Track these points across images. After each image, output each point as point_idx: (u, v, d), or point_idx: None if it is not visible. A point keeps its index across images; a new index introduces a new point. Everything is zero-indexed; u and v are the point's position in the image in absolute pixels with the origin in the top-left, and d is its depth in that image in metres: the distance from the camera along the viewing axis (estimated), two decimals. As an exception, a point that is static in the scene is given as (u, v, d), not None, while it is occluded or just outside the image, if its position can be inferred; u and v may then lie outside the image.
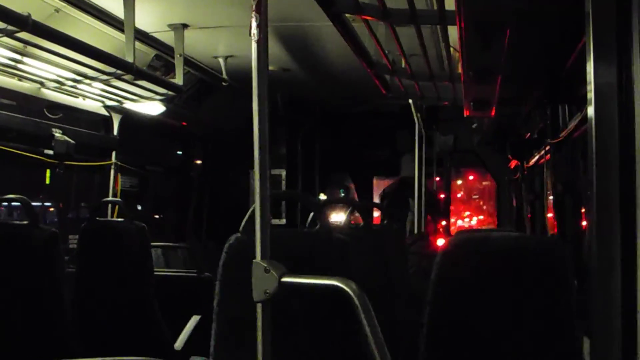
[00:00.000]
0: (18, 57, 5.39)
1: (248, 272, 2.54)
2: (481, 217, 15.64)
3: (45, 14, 5.27)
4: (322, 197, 12.66)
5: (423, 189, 10.26)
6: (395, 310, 5.61)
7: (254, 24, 2.53)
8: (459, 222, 15.07)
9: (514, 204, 9.99)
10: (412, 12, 4.26)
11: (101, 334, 5.63)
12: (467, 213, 15.74)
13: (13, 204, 5.48)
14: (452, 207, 12.92)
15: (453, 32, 4.46)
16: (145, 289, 5.73)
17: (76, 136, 6.63)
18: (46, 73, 5.82)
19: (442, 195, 11.97)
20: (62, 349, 4.75)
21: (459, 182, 15.10)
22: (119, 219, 6.55)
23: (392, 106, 10.09)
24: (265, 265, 2.53)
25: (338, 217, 10.46)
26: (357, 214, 6.47)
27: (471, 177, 15.28)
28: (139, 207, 9.44)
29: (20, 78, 5.91)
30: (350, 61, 6.04)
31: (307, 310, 3.02)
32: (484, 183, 15.01)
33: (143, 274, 5.76)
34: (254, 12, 2.52)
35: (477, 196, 15.66)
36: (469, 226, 15.65)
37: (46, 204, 7.99)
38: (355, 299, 2.35)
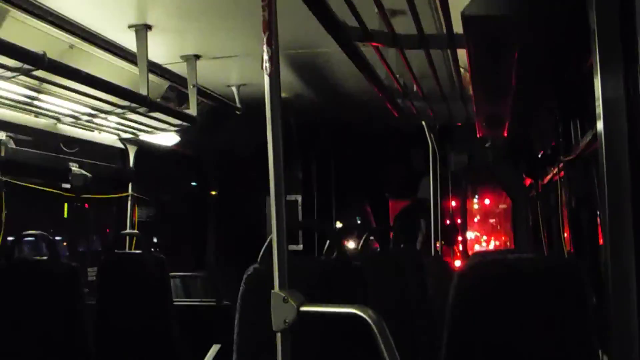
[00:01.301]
0: (34, 94, 5.46)
1: (267, 302, 2.56)
2: (497, 242, 15.46)
3: (60, 51, 5.33)
4: (339, 224, 12.66)
5: (439, 210, 10.22)
6: (415, 334, 5.61)
7: (265, 57, 2.57)
8: (476, 247, 14.93)
9: (530, 222, 9.96)
10: (420, 36, 4.30)
11: (123, 365, 5.66)
12: (485, 237, 15.59)
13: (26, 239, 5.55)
14: (467, 232, 12.88)
15: (462, 52, 4.49)
16: (165, 319, 5.76)
17: (93, 169, 6.69)
18: (62, 108, 5.88)
19: (459, 221, 11.93)
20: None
21: (475, 206, 14.97)
22: (138, 251, 6.59)
23: (405, 127, 10.10)
24: (284, 295, 2.55)
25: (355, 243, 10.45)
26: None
27: (487, 201, 15.14)
28: (156, 239, 9.47)
29: (37, 114, 5.98)
30: (362, 85, 6.06)
31: (326, 338, 3.03)
32: (500, 206, 14.87)
33: (163, 304, 5.79)
34: (265, 46, 2.56)
35: (493, 220, 15.50)
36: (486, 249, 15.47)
37: (64, 237, 8.04)
38: (373, 326, 2.37)
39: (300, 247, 10.52)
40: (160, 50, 5.98)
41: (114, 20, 5.27)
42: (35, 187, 6.22)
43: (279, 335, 2.58)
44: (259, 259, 3.13)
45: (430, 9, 4.71)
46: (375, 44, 4.42)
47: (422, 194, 12.15)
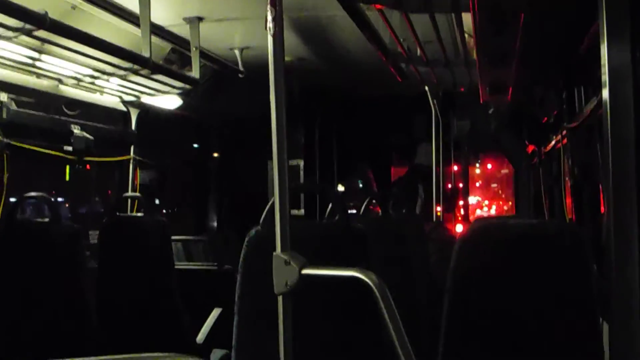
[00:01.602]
0: (36, 54, 5.43)
1: (269, 265, 2.56)
2: (504, 207, 15.45)
3: (62, 11, 5.30)
4: (340, 188, 12.66)
5: (441, 176, 10.24)
6: (416, 299, 5.63)
7: (269, 18, 2.54)
8: (478, 211, 14.95)
9: (532, 189, 9.97)
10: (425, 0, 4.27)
11: (123, 328, 5.68)
12: (486, 202, 15.62)
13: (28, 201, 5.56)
14: (469, 197, 12.90)
15: (467, 17, 4.46)
16: (166, 282, 5.78)
17: (95, 132, 6.67)
18: (64, 70, 5.86)
19: (461, 185, 11.95)
20: (85, 343, 4.80)
21: (477, 170, 14.97)
22: (139, 214, 6.60)
23: (408, 92, 10.07)
24: (286, 257, 2.54)
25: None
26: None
27: (490, 166, 15.14)
28: (158, 201, 9.49)
29: (39, 75, 5.96)
30: (366, 49, 6.04)
31: (328, 302, 3.04)
32: (502, 171, 14.87)
33: (164, 268, 5.80)
34: (269, 6, 2.53)
35: (495, 185, 15.52)
36: (488, 214, 15.50)
37: (66, 200, 8.06)
38: (375, 289, 2.37)
39: (302, 212, 10.52)
40: (163, 12, 5.94)
41: (116, -20, 5.25)
42: (37, 149, 6.20)
43: (280, 298, 2.58)
44: (260, 222, 3.13)
45: (435, -28, 4.67)
46: (379, 6, 4.39)
47: (420, 159, 12.19)
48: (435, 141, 9.99)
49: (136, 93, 6.95)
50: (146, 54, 5.53)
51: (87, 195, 8.04)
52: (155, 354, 1.78)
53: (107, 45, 5.18)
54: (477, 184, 15.28)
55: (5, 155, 5.68)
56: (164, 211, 9.53)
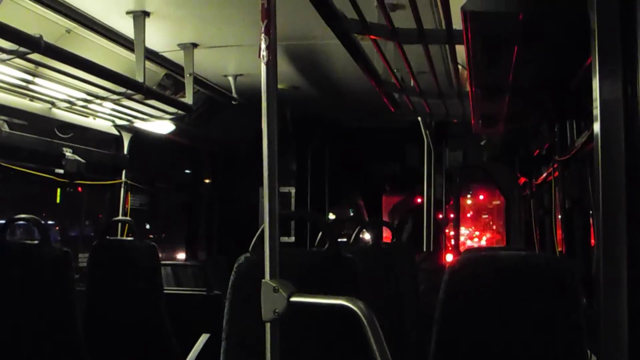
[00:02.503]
0: (30, 77, 5.44)
1: (257, 292, 2.56)
2: (495, 239, 15.42)
3: (57, 35, 5.31)
4: (332, 216, 12.65)
5: (432, 205, 10.25)
6: (405, 329, 5.61)
7: (263, 46, 2.56)
8: (468, 242, 14.91)
9: (523, 220, 9.98)
10: (419, 31, 4.29)
11: (112, 352, 5.65)
12: (477, 233, 15.59)
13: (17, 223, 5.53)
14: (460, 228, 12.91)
15: (461, 49, 4.48)
16: (155, 307, 5.75)
17: (87, 155, 6.66)
18: (57, 93, 5.86)
19: (452, 216, 11.96)
20: (73, 366, 4.77)
21: (469, 201, 14.99)
22: (129, 238, 6.58)
23: (401, 122, 10.11)
24: (275, 284, 2.54)
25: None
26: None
27: (481, 197, 15.15)
28: (149, 225, 9.45)
29: (32, 98, 5.95)
30: (359, 79, 6.06)
31: (316, 329, 3.03)
32: (494, 202, 14.87)
33: (153, 292, 5.78)
34: (263, 34, 2.55)
35: (486, 216, 15.50)
36: (478, 245, 15.48)
37: (56, 222, 8.03)
38: (363, 318, 2.36)
39: (292, 239, 10.50)
40: (157, 38, 5.96)
41: (112, 5, 5.26)
42: (29, 171, 6.19)
43: (268, 325, 2.57)
44: (250, 248, 3.12)
45: (430, 4, 4.71)
46: (373, 37, 4.41)
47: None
48: (427, 171, 10.01)
49: (129, 118, 6.94)
50: (140, 79, 5.54)
51: (78, 218, 8.01)
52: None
53: (101, 69, 5.20)
54: (468, 215, 15.27)
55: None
56: (155, 236, 9.49)
